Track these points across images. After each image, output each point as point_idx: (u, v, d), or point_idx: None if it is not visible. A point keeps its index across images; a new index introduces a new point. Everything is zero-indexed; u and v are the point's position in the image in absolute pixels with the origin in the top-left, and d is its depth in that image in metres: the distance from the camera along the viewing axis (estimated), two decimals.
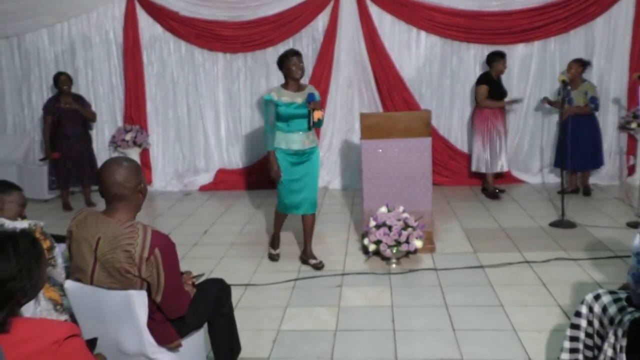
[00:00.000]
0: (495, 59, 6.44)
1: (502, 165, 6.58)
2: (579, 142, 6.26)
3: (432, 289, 4.06)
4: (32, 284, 1.73)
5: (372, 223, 4.56)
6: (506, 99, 6.54)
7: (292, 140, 4.34)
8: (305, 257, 4.66)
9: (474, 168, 6.73)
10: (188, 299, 2.48)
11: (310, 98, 4.28)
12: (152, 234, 2.26)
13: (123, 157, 2.47)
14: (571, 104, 6.28)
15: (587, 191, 6.50)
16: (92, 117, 6.86)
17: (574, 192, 6.50)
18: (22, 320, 1.71)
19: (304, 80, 7.21)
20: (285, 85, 4.39)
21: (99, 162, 6.79)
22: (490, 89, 6.44)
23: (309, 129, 4.34)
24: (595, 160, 6.53)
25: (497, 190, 6.59)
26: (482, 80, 6.52)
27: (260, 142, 7.53)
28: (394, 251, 4.45)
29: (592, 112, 6.35)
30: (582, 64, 6.29)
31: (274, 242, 4.82)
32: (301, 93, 4.35)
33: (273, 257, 4.78)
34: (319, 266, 4.55)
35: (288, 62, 4.31)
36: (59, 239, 2.94)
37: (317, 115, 4.24)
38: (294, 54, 4.35)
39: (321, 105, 7.01)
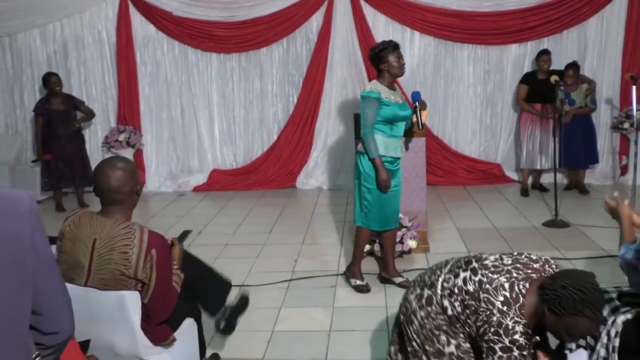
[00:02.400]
0: (538, 57, 6.52)
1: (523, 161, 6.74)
2: (574, 140, 6.32)
3: None
4: None
5: None
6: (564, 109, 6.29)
7: (394, 146, 3.88)
8: (388, 275, 4.17)
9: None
10: (173, 302, 2.42)
11: (416, 96, 3.97)
12: (149, 235, 2.25)
13: (118, 159, 2.42)
14: (573, 105, 6.34)
15: (583, 190, 6.57)
16: (89, 115, 6.85)
17: (569, 189, 6.65)
18: None
19: (298, 81, 7.32)
20: (382, 82, 3.90)
21: (92, 163, 6.77)
22: (531, 89, 6.50)
23: (420, 128, 4.03)
24: (588, 158, 6.62)
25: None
26: (523, 79, 6.64)
27: (253, 141, 7.53)
28: None
29: (592, 112, 6.54)
30: (578, 68, 6.40)
31: (356, 269, 4.13)
32: (397, 92, 3.98)
33: (363, 289, 4.08)
34: (406, 284, 3.96)
35: (390, 56, 3.81)
36: (51, 240, 2.92)
37: (425, 114, 3.91)
38: (395, 47, 3.84)
39: (315, 106, 7.19)
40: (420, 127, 4.05)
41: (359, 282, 4.11)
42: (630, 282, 2.41)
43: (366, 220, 4.00)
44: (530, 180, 6.88)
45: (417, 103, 4.00)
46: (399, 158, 3.97)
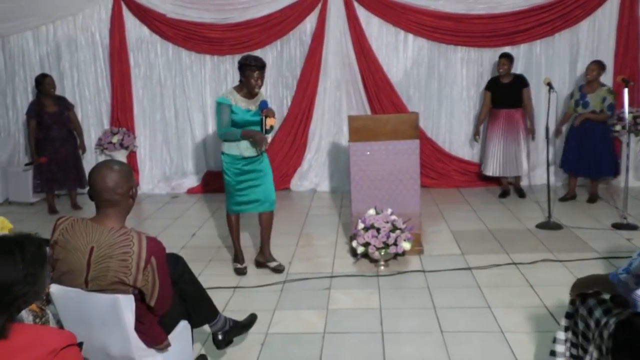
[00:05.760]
0: (499, 60, 6.55)
1: (489, 168, 6.72)
2: (584, 147, 6.17)
3: (420, 291, 4.06)
4: (36, 289, 1.71)
5: (361, 225, 4.56)
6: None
7: (246, 146, 4.27)
8: (263, 259, 4.60)
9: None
10: (171, 293, 2.44)
11: (263, 105, 4.26)
12: (147, 242, 2.23)
13: (114, 161, 2.43)
14: (586, 107, 6.16)
15: (592, 198, 6.30)
16: (79, 129, 6.82)
17: (572, 199, 6.39)
18: (20, 326, 1.68)
19: (292, 83, 7.31)
20: (239, 90, 4.28)
21: (85, 165, 6.74)
22: (494, 94, 6.55)
23: (265, 134, 4.27)
24: (602, 168, 6.29)
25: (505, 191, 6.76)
26: (486, 85, 6.71)
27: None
28: (382, 253, 4.45)
29: (607, 119, 6.23)
30: (602, 67, 6.15)
31: (237, 253, 4.59)
32: (254, 100, 4.31)
33: (240, 271, 4.51)
34: (279, 269, 4.50)
35: (250, 74, 4.17)
36: (46, 241, 2.90)
37: (269, 122, 4.20)
38: (257, 67, 4.17)
39: (308, 109, 7.19)
40: (265, 132, 4.26)
41: (238, 265, 4.52)
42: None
43: (227, 205, 4.48)
44: (513, 182, 6.91)
45: (262, 111, 4.24)
46: (255, 156, 4.32)
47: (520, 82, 6.51)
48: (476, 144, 7.29)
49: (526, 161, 6.62)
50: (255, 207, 4.45)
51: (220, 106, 4.25)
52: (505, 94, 6.48)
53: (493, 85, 6.60)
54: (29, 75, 7.45)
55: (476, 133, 6.91)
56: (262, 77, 4.22)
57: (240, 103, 4.25)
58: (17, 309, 1.69)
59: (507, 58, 6.47)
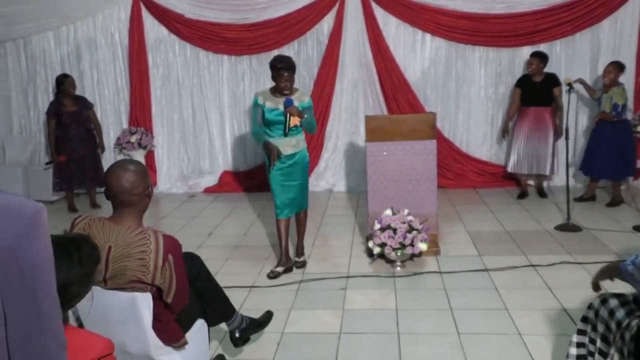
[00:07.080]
0: (529, 59, 6.51)
1: (511, 164, 6.70)
2: (600, 148, 6.08)
3: (436, 292, 4.04)
4: (87, 290, 1.72)
5: (377, 226, 4.55)
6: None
7: (284, 144, 4.31)
8: (296, 254, 4.75)
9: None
10: (188, 290, 2.46)
11: (288, 103, 4.21)
12: (164, 240, 2.25)
13: (129, 161, 2.43)
14: (600, 107, 6.13)
15: (614, 201, 6.13)
16: (98, 129, 6.91)
17: (590, 200, 6.31)
18: (67, 328, 1.69)
19: (309, 83, 7.32)
20: (273, 90, 4.34)
21: (104, 165, 6.82)
22: (524, 92, 6.50)
23: (285, 135, 4.26)
24: (616, 169, 6.14)
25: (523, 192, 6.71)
26: (517, 82, 6.67)
27: None
28: (399, 254, 4.44)
29: (615, 120, 6.02)
30: (620, 68, 6.03)
31: (282, 258, 4.54)
32: (283, 100, 4.31)
33: (277, 275, 4.46)
34: (300, 265, 4.64)
35: (278, 76, 4.22)
36: None
37: (293, 121, 4.19)
38: (286, 69, 4.20)
39: (325, 108, 7.18)
40: (287, 132, 4.24)
41: (279, 269, 4.48)
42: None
43: (276, 210, 4.47)
44: (534, 183, 6.84)
45: (286, 109, 4.20)
46: (287, 156, 4.33)
47: (552, 81, 6.43)
48: (495, 145, 7.24)
49: (551, 161, 6.54)
50: (297, 208, 4.55)
51: (253, 105, 4.39)
52: (536, 92, 6.42)
53: (524, 83, 6.53)
54: (50, 75, 7.56)
55: (505, 130, 6.79)
56: (290, 79, 4.23)
57: (268, 102, 4.31)
58: (68, 309, 1.70)
59: (536, 57, 6.42)
